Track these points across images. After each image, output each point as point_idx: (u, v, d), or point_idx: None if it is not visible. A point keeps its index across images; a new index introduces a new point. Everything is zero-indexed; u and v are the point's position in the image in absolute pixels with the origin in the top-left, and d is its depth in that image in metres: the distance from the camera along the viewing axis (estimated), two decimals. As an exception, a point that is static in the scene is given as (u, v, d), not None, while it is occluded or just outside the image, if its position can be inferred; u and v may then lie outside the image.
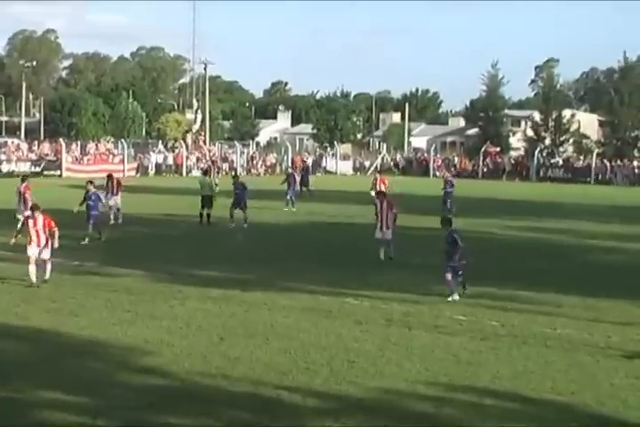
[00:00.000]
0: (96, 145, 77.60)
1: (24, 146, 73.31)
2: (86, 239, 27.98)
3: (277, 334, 15.80)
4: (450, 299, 19.30)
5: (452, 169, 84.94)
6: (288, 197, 41.56)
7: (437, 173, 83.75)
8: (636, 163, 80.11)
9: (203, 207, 34.03)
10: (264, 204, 40.86)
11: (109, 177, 34.96)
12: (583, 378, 13.43)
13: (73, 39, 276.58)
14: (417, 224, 35.29)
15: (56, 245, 20.90)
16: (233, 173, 37.27)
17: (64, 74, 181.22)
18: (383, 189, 37.31)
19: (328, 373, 13.34)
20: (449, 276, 19.63)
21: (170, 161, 75.75)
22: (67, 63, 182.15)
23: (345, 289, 20.16)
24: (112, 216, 33.15)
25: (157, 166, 74.44)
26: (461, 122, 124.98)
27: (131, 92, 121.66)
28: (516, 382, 13.14)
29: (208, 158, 77.18)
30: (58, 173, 67.32)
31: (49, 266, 20.75)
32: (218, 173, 58.06)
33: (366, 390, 12.53)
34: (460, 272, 19.79)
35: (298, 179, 45.88)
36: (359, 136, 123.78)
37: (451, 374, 13.45)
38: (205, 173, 38.78)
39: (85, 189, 29.48)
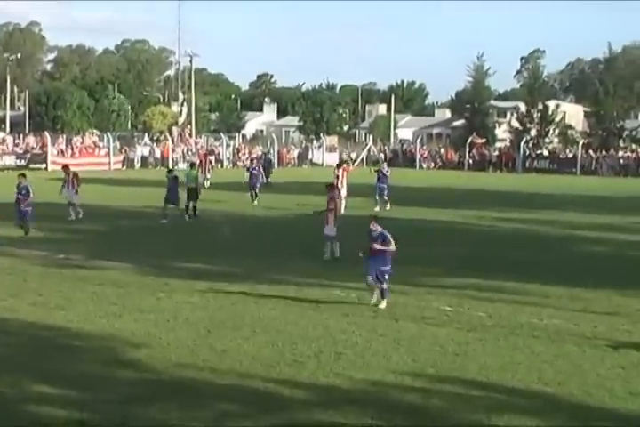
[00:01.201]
0: (82, 138, 77.38)
1: (9, 139, 73.09)
2: (27, 232, 28.03)
3: (264, 326, 15.79)
4: (378, 304, 17.60)
5: (438, 160, 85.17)
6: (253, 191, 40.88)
7: (424, 165, 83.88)
8: (621, 153, 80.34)
9: (188, 200, 34.04)
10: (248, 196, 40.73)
11: (65, 168, 34.70)
12: (570, 368, 13.47)
13: (57, 32, 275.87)
14: (403, 215, 35.32)
15: None
16: (168, 168, 35.56)
17: (49, 67, 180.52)
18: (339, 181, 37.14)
19: (315, 365, 13.35)
20: (370, 279, 17.60)
21: (156, 154, 75.59)
22: (51, 56, 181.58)
23: (332, 281, 20.17)
24: (72, 212, 32.70)
25: (143, 159, 74.27)
26: (447, 113, 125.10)
27: (116, 84, 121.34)
28: (503, 373, 13.18)
29: (203, 151, 77.18)
30: (43, 166, 67.13)
31: None
32: (211, 167, 57.22)
33: (354, 382, 12.55)
34: (387, 277, 17.76)
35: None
36: (345, 128, 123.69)
37: (438, 366, 13.48)
38: (193, 165, 38.50)
39: (17, 182, 29.19)
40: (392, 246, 17.54)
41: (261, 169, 43.68)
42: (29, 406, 11.35)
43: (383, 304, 17.64)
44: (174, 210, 32.88)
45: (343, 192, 35.99)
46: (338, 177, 37.18)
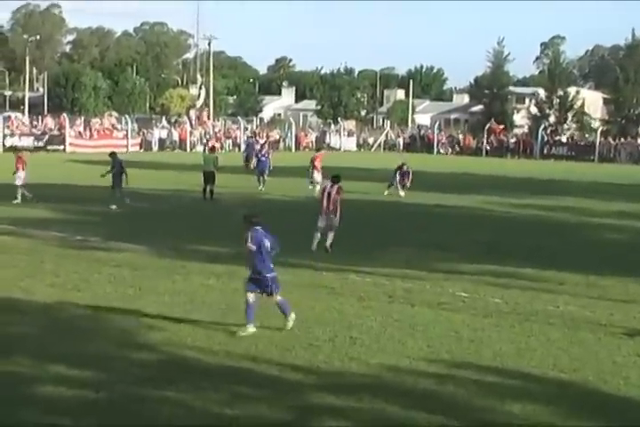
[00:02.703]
0: (100, 120, 77.50)
1: (27, 120, 73.27)
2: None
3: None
4: (243, 333, 14.05)
5: (456, 146, 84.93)
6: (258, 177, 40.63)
7: (441, 151, 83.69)
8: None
9: (206, 183, 34.13)
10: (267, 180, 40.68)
11: (15, 151, 34.53)
12: (585, 355, 13.45)
13: (76, 14, 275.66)
14: (420, 200, 35.33)
15: None
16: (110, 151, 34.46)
17: (68, 49, 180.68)
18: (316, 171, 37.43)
19: (330, 349, 13.36)
20: (251, 297, 14.33)
21: (174, 137, 75.68)
22: (70, 38, 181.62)
23: (348, 266, 20.15)
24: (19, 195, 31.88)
25: (161, 142, 74.40)
26: (466, 99, 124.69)
27: (134, 67, 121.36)
28: (518, 359, 13.16)
29: (220, 135, 77.20)
30: (61, 147, 67.32)
31: None
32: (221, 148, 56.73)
33: (368, 367, 12.56)
34: (269, 287, 14.50)
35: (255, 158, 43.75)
36: (363, 113, 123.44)
37: (453, 352, 13.47)
38: (212, 149, 38.45)
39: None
40: None
41: (270, 155, 43.18)
42: (45, 385, 11.40)
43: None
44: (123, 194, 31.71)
45: (318, 178, 36.86)
46: (314, 163, 38.08)
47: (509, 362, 12.98)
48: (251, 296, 14.26)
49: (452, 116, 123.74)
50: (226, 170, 37.60)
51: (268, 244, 14.43)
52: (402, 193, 37.94)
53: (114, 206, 30.64)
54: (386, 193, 37.96)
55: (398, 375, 12.20)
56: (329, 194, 22.46)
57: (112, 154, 33.04)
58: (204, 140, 73.26)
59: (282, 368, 12.29)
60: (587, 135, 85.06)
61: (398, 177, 38.55)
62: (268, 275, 14.40)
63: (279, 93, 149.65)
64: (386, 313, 15.84)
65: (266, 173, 40.59)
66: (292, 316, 14.52)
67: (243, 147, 45.01)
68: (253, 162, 42.83)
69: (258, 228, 14.65)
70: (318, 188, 35.06)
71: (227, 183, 37.41)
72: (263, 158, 41.19)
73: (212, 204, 33.21)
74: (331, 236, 22.24)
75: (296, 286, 17.94)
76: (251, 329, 14.07)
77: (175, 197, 35.63)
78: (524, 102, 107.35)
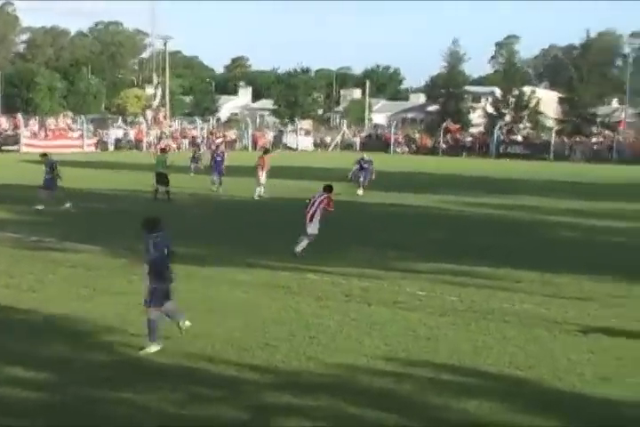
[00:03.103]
0: (55, 120, 76.95)
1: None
2: None
3: (237, 310, 15.78)
4: (147, 350, 13.00)
5: (413, 145, 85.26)
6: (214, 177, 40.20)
7: (398, 150, 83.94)
8: (594, 139, 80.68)
9: (158, 184, 34.12)
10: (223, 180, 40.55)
11: None
12: (540, 353, 13.54)
13: (30, 13, 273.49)
14: (377, 200, 35.40)
15: None
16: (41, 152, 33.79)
17: (22, 48, 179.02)
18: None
19: (288, 349, 13.35)
20: (153, 313, 13.18)
21: (130, 136, 75.33)
22: (24, 37, 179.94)
23: (305, 265, 20.15)
24: None
25: (117, 142, 74.03)
26: (422, 98, 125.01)
27: (90, 67, 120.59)
28: (474, 357, 13.23)
29: (176, 135, 76.98)
30: (16, 148, 66.76)
31: None
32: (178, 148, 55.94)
33: (326, 366, 12.56)
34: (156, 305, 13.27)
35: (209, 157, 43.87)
36: (320, 112, 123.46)
37: (409, 350, 13.51)
38: (163, 150, 38.25)
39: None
40: None
41: (225, 155, 41.94)
42: (0, 387, 11.30)
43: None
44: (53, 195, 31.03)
45: (262, 179, 36.62)
46: (260, 164, 37.00)
47: (466, 360, 13.04)
48: (156, 313, 13.16)
49: (409, 116, 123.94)
50: (180, 170, 37.47)
51: (168, 250, 13.48)
52: (360, 191, 37.98)
53: (40, 207, 30.02)
54: (360, 193, 37.98)
55: (355, 374, 12.22)
56: (314, 202, 21.91)
57: (44, 155, 32.59)
58: (158, 141, 73.01)
59: (239, 368, 12.27)
60: (542, 134, 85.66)
61: (359, 172, 38.76)
62: (170, 284, 13.46)
63: (236, 93, 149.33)
64: (343, 312, 15.86)
65: (222, 174, 39.79)
66: (154, 347, 13.05)
67: (216, 149, 44.10)
68: (208, 162, 42.44)
69: (159, 233, 13.74)
70: (262, 189, 35.99)
71: (181, 184, 37.26)
72: (219, 158, 40.43)
73: (169, 204, 33.01)
74: (302, 241, 21.56)
75: (253, 285, 17.95)
76: (154, 348, 13.02)
77: (131, 197, 35.42)
78: (479, 101, 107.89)
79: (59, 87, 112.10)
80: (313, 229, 21.66)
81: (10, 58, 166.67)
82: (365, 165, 39.46)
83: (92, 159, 49.39)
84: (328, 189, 22.44)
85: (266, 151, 41.06)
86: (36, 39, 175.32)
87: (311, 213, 21.69)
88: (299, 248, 21.51)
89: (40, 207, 30.01)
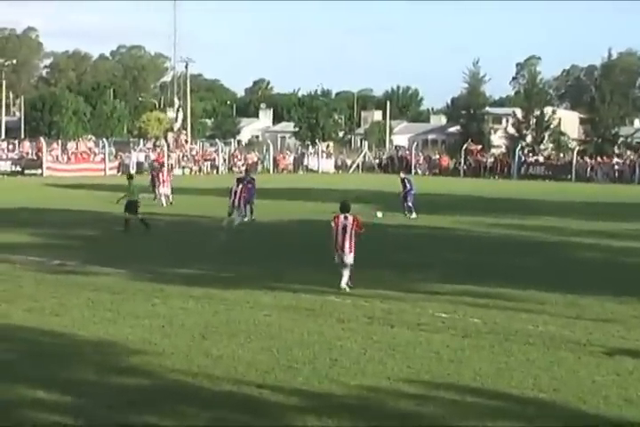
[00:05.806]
0: (77, 144, 77.37)
1: (4, 145, 73.09)
2: None
3: (259, 332, 15.77)
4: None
5: (434, 166, 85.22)
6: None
7: (419, 171, 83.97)
8: (615, 160, 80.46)
9: (129, 212, 31.47)
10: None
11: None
12: (565, 375, 13.46)
13: (53, 38, 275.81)
14: (399, 222, 35.38)
15: None
16: None
17: (45, 72, 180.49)
18: None
19: (310, 371, 13.33)
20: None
21: (152, 160, 75.60)
22: (47, 62, 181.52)
23: (327, 287, 20.11)
24: None
25: (139, 165, 74.31)
26: (443, 120, 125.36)
27: (112, 90, 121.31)
28: (498, 379, 13.16)
29: (198, 158, 77.04)
30: (39, 171, 67.18)
31: None
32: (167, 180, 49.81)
33: (349, 389, 12.53)
34: None
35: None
36: (341, 134, 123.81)
37: (433, 372, 13.46)
38: (131, 177, 34.28)
39: None
40: None
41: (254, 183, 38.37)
42: (24, 411, 11.31)
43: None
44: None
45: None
46: (236, 191, 33.82)
47: (489, 382, 12.98)
48: None
49: (430, 137, 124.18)
50: (204, 192, 37.51)
51: None
52: (414, 215, 38.21)
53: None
54: (414, 216, 38.20)
55: (379, 397, 12.18)
56: (344, 227, 20.29)
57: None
58: (183, 163, 73.25)
59: (261, 391, 12.25)
60: (563, 155, 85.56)
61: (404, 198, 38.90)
62: None
63: (257, 116, 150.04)
64: (366, 334, 15.82)
65: (253, 203, 36.99)
66: None
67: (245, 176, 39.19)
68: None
69: None
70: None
71: (202, 208, 37.31)
72: (249, 186, 36.76)
73: (190, 226, 32.98)
74: (346, 274, 20.25)
75: (276, 307, 17.94)
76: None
77: (152, 220, 35.48)
78: (500, 123, 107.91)
79: (84, 111, 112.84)
80: (351, 258, 20.33)
81: (33, 82, 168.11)
82: (409, 185, 39.38)
83: (113, 182, 49.50)
84: (345, 208, 20.66)
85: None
86: (59, 63, 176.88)
87: (345, 241, 20.28)
88: (343, 284, 20.12)
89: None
